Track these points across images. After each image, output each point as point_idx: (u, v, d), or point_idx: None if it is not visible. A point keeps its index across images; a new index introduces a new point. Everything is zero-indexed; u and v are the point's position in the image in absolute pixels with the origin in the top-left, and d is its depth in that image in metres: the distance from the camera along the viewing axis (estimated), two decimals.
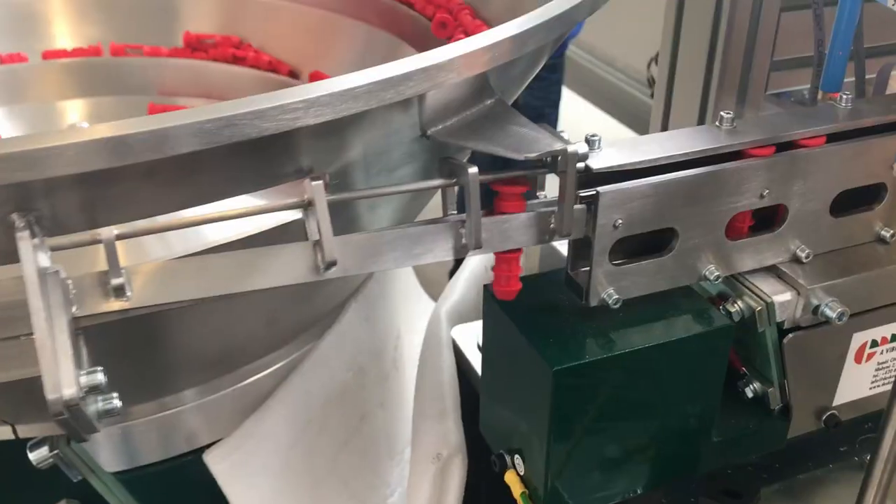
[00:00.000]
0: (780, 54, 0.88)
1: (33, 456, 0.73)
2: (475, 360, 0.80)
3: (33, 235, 0.40)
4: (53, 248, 0.43)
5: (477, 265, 0.92)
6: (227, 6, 1.08)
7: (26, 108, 1.06)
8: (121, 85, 1.09)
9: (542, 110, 1.91)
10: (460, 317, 0.86)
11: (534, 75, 0.70)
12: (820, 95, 0.68)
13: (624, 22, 2.44)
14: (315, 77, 1.03)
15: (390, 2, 0.99)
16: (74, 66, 1.09)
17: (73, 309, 0.43)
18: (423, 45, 0.95)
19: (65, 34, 1.08)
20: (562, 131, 0.53)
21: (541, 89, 1.90)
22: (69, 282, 0.43)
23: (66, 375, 0.40)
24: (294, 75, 1.05)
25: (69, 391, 0.39)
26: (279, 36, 1.06)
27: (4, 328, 0.46)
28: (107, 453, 0.76)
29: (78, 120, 1.05)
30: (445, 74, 0.45)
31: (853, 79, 0.74)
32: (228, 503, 0.77)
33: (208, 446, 0.77)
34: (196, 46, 1.06)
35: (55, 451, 0.73)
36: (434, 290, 0.97)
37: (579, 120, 2.96)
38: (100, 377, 0.42)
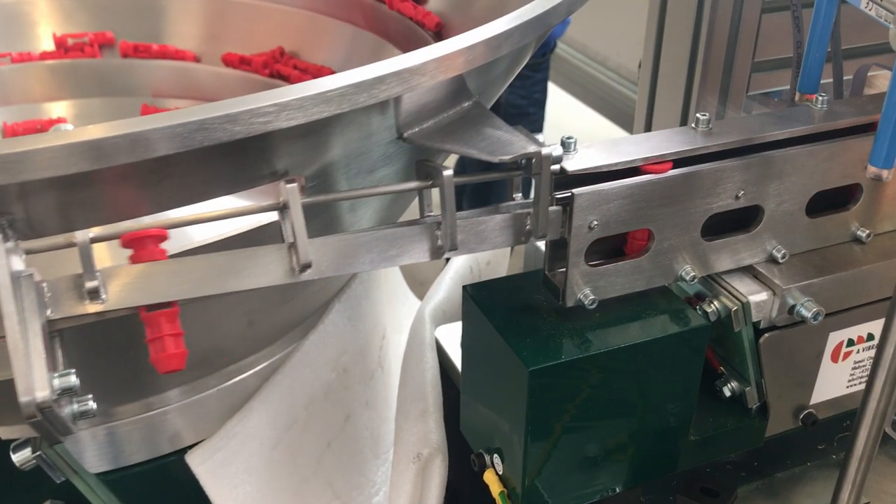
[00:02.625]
0: (762, 55, 0.89)
1: (16, 457, 0.74)
2: (459, 360, 0.81)
3: (6, 239, 0.41)
4: (28, 252, 0.43)
5: (462, 265, 0.93)
6: (212, 8, 1.08)
7: (13, 110, 1.06)
8: (108, 86, 1.09)
9: (526, 109, 1.89)
10: (445, 316, 0.87)
11: (516, 75, 0.70)
12: (798, 96, 0.69)
13: (616, 22, 2.45)
14: (227, 58, 1.05)
15: (375, 3, 1.00)
16: (62, 68, 1.09)
17: (48, 312, 0.44)
18: (408, 46, 0.96)
19: (50, 36, 1.08)
20: (538, 134, 0.53)
21: (523, 87, 1.89)
22: (44, 285, 0.44)
23: (38, 378, 0.40)
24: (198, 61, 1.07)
25: (42, 394, 0.40)
26: (265, 37, 1.06)
27: None
28: (91, 454, 0.76)
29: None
30: (419, 78, 0.46)
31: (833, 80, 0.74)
32: None
33: (192, 446, 0.77)
34: (68, 47, 1.06)
35: (38, 453, 0.73)
36: (426, 289, 0.98)
37: (571, 119, 2.96)
38: (73, 379, 0.42)
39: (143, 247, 0.45)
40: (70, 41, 1.07)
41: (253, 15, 1.06)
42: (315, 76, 1.01)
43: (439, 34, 0.94)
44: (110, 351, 0.64)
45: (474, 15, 0.90)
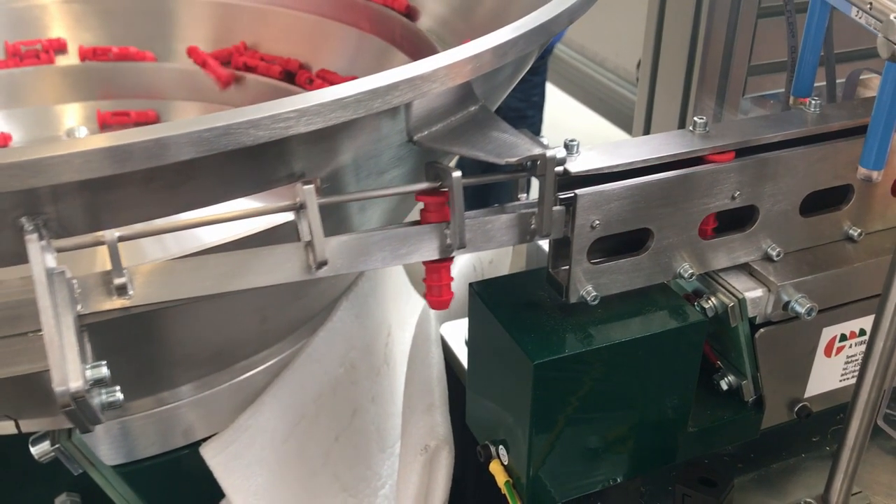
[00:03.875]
0: (758, 59, 0.91)
1: (35, 450, 0.76)
2: (463, 356, 0.83)
3: (41, 238, 0.43)
4: (59, 250, 0.45)
5: (466, 263, 0.95)
6: (222, 12, 1.10)
7: (25, 112, 1.09)
8: (117, 89, 1.11)
9: (524, 112, 1.89)
10: (449, 313, 0.89)
11: (514, 84, 0.72)
12: (792, 100, 0.71)
13: (614, 23, 2.47)
14: (191, 51, 1.10)
15: (380, 8, 1.02)
16: (72, 71, 1.11)
17: (78, 307, 0.46)
18: (411, 49, 0.98)
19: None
20: (542, 136, 0.56)
21: (522, 91, 1.89)
22: (74, 281, 0.46)
23: (72, 369, 0.42)
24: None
25: (76, 384, 0.42)
26: (273, 40, 1.09)
27: (12, 325, 0.48)
28: (106, 447, 0.79)
29: (76, 124, 1.07)
30: (430, 84, 0.48)
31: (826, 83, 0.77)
32: (225, 495, 0.79)
33: (205, 440, 0.79)
34: (22, 55, 1.08)
35: (56, 445, 0.75)
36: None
37: (570, 119, 2.98)
38: (104, 371, 0.44)
39: (435, 208, 0.53)
40: (23, 48, 1.09)
41: (261, 19, 1.09)
42: (283, 67, 1.05)
43: (409, 16, 0.98)
44: (125, 347, 0.66)
45: (477, 21, 0.92)
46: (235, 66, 1.07)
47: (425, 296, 0.56)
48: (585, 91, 3.08)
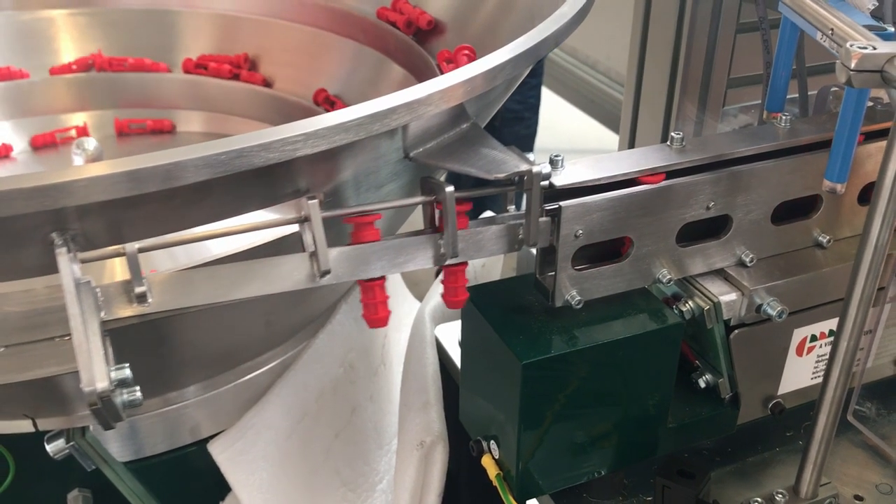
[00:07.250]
0: (737, 72, 0.95)
1: (50, 447, 0.79)
2: (456, 356, 0.87)
3: (69, 251, 0.47)
4: (84, 261, 0.49)
5: None
6: (222, 24, 1.14)
7: (31, 122, 1.12)
8: (121, 98, 1.15)
9: (521, 114, 1.94)
10: (443, 316, 0.93)
11: (507, 97, 0.77)
12: (765, 115, 0.75)
13: (605, 26, 2.51)
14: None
15: (376, 21, 1.06)
16: (77, 81, 1.15)
17: (102, 314, 0.50)
18: (405, 60, 1.02)
19: (69, 50, 1.14)
20: (529, 153, 0.60)
21: (520, 93, 1.94)
22: (98, 290, 0.50)
23: (99, 371, 0.46)
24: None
25: (102, 384, 0.46)
26: (272, 52, 1.13)
27: (40, 331, 0.52)
28: (117, 445, 0.83)
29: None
30: (425, 108, 0.52)
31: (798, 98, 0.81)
32: (230, 490, 0.84)
33: (211, 437, 0.83)
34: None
35: (71, 443, 0.79)
36: (420, 288, 1.04)
37: (562, 120, 3.03)
38: (127, 372, 0.48)
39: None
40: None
41: (262, 31, 1.13)
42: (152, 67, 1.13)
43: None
44: (136, 350, 0.70)
45: (469, 34, 0.96)
46: (101, 68, 1.14)
47: (443, 296, 0.61)
48: (577, 93, 3.12)
